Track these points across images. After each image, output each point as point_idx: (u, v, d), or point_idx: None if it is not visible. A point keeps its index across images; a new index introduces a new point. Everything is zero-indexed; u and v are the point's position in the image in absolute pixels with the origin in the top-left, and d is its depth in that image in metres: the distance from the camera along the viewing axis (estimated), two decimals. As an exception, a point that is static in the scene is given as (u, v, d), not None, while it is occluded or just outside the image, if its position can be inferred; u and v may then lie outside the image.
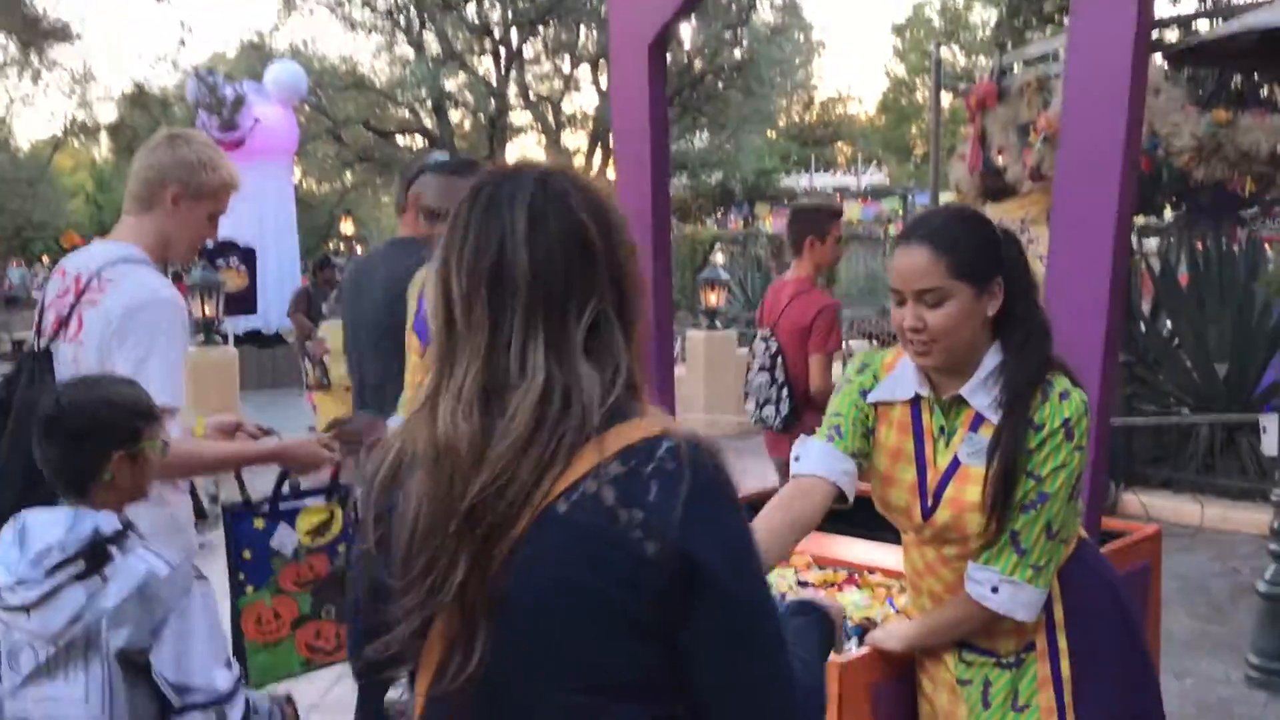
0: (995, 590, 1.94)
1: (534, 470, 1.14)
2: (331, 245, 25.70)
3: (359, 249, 22.30)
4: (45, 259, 30.55)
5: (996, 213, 7.61)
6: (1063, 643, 2.00)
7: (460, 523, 1.14)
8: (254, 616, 2.64)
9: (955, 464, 1.98)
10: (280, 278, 14.64)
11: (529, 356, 1.17)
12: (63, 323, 2.45)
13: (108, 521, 1.92)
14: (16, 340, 16.17)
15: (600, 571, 1.13)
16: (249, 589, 2.64)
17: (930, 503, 2.01)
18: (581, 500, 1.13)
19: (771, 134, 31.39)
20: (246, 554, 2.64)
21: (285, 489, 2.72)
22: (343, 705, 4.06)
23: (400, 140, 24.18)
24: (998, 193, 8.21)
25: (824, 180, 31.97)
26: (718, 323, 10.65)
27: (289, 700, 2.22)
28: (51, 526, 1.89)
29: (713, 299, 10.51)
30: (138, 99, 17.67)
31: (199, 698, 1.89)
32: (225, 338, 11.07)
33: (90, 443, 1.94)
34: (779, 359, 4.43)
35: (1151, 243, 11.58)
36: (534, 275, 1.18)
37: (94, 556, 1.87)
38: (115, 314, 2.37)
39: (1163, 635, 3.13)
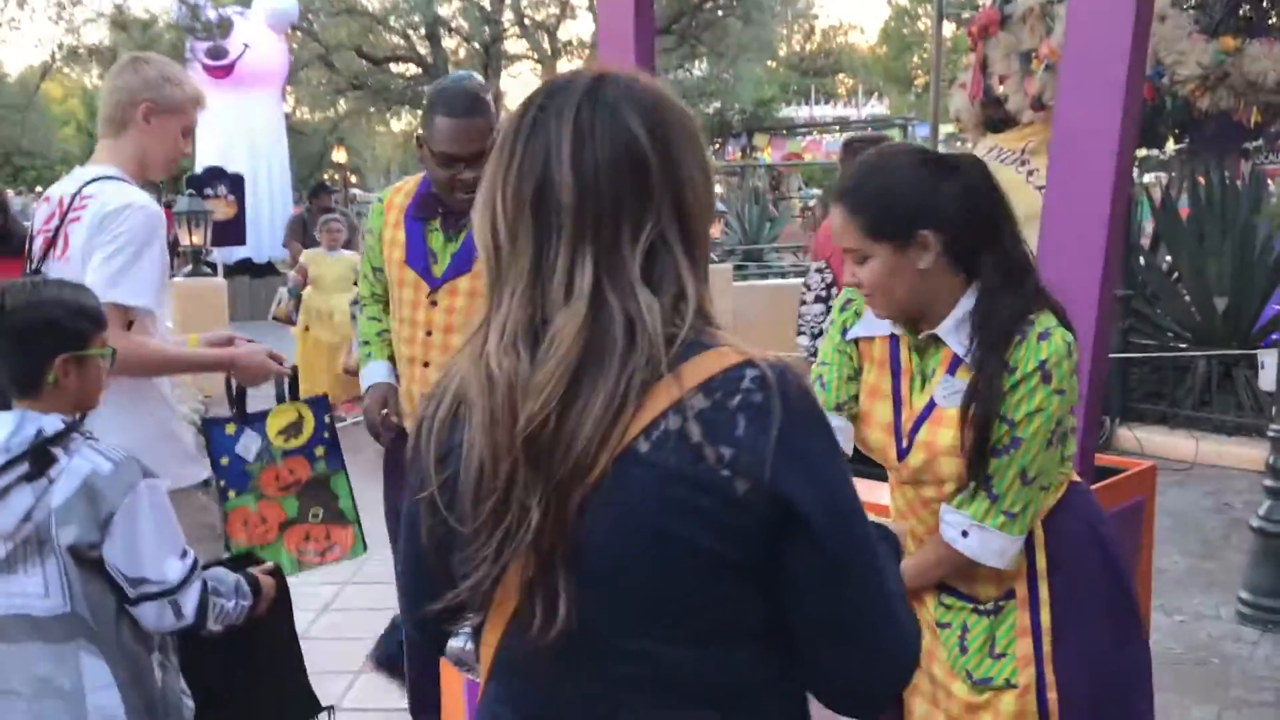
0: (965, 535, 1.89)
1: (605, 410, 1.06)
2: (326, 176, 25.52)
3: (352, 178, 22.12)
4: (39, 189, 30.40)
5: (996, 143, 7.50)
6: (1044, 592, 1.94)
7: (521, 460, 1.07)
8: (240, 520, 2.73)
9: (931, 405, 1.92)
10: (272, 208, 14.52)
11: (575, 280, 1.08)
12: (50, 244, 2.59)
13: (52, 423, 1.96)
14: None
15: (686, 514, 1.06)
16: (231, 494, 2.73)
17: (904, 444, 1.95)
18: (664, 438, 1.05)
19: (771, 63, 30.99)
20: (224, 460, 2.73)
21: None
22: (331, 633, 4.04)
23: (394, 68, 23.85)
24: (998, 122, 8.07)
25: (824, 111, 31.65)
26: (714, 255, 10.56)
27: (274, 571, 2.29)
28: None
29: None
30: (118, 20, 17.40)
31: (152, 589, 1.98)
32: (214, 268, 10.98)
33: (33, 343, 1.98)
34: (834, 289, 4.47)
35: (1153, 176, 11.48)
36: (579, 195, 1.09)
37: (38, 458, 1.93)
38: (94, 221, 2.50)
39: (1154, 572, 3.11)
